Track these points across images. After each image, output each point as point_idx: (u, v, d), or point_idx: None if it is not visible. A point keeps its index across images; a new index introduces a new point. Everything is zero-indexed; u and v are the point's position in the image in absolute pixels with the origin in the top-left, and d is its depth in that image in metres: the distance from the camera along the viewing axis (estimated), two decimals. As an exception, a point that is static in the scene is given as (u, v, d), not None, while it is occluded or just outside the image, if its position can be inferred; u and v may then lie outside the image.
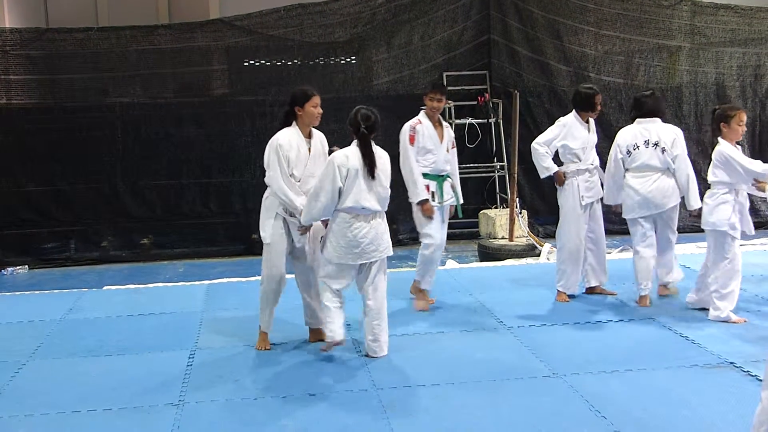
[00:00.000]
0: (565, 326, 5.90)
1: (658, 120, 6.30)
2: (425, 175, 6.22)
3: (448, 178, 6.38)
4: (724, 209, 5.69)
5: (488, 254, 8.75)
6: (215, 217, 9.52)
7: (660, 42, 10.04)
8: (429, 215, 6.21)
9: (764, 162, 5.71)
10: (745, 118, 5.78)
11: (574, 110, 6.45)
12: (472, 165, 9.68)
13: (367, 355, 5.30)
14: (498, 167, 9.96)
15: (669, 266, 6.53)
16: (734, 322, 5.73)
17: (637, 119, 6.33)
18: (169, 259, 9.32)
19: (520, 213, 9.35)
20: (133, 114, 9.37)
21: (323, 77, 9.58)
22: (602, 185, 6.55)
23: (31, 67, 9.23)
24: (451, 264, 8.34)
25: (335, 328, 5.15)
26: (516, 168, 9.15)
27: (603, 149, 8.17)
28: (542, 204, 9.81)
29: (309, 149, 5.31)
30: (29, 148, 9.14)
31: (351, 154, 5.04)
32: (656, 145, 6.19)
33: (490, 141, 9.99)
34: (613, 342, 5.52)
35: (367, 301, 5.24)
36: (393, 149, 9.22)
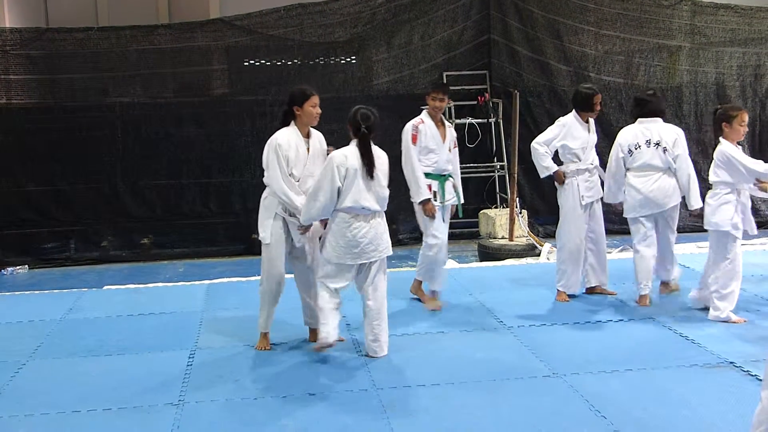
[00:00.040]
0: (565, 326, 5.90)
1: (659, 120, 6.31)
2: (427, 175, 6.22)
3: (450, 178, 6.37)
4: (726, 209, 5.69)
5: (488, 254, 8.75)
6: (215, 217, 9.52)
7: (660, 42, 10.04)
8: (431, 215, 6.20)
9: (765, 162, 5.71)
10: (747, 118, 5.78)
11: (573, 110, 6.45)
12: (472, 165, 9.68)
13: (367, 355, 5.30)
14: (498, 167, 9.96)
15: (669, 265, 6.56)
16: (734, 322, 5.74)
17: (639, 119, 6.34)
18: (169, 259, 9.32)
19: (520, 213, 9.35)
20: (133, 114, 9.37)
21: (323, 77, 9.57)
22: (602, 185, 6.55)
23: (31, 67, 9.23)
24: (451, 264, 8.32)
25: (329, 330, 5.12)
26: (516, 168, 9.15)
27: (603, 149, 8.18)
28: (542, 204, 9.81)
29: (308, 149, 5.31)
30: (29, 147, 9.14)
31: (350, 153, 5.04)
32: (658, 144, 6.20)
33: (490, 141, 9.99)
34: (613, 342, 5.52)
35: (366, 301, 5.24)
36: (393, 149, 9.22)
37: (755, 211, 6.03)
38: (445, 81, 9.50)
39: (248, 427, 4.28)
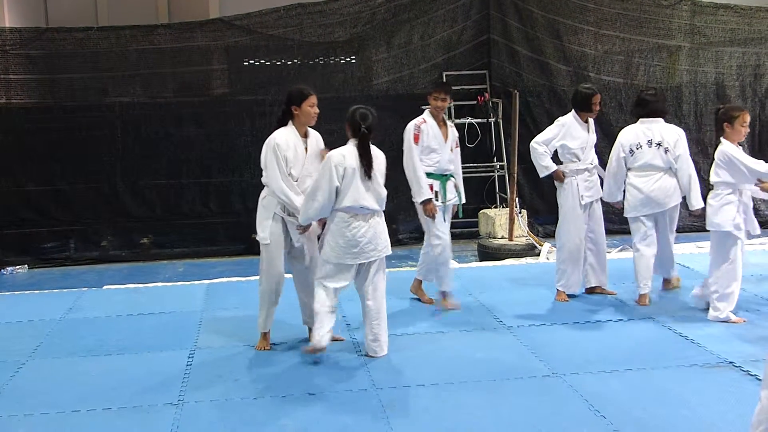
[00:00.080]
0: (564, 326, 5.90)
1: (661, 120, 6.32)
2: (429, 175, 6.21)
3: (452, 178, 6.37)
4: (728, 210, 5.69)
5: (488, 254, 8.74)
6: (215, 217, 9.52)
7: (660, 42, 10.04)
8: (431, 215, 6.21)
9: (766, 162, 5.71)
10: (748, 119, 5.77)
11: (573, 110, 6.45)
12: (471, 165, 9.67)
13: (366, 355, 5.30)
14: (498, 167, 9.96)
15: (669, 263, 6.59)
16: (734, 323, 5.74)
17: (640, 119, 6.34)
18: (169, 259, 9.31)
19: (520, 213, 9.35)
20: (132, 114, 9.37)
21: (323, 77, 9.58)
22: (601, 184, 6.55)
23: (30, 67, 9.23)
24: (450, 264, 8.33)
25: (322, 334, 5.10)
26: (516, 168, 9.15)
27: (602, 149, 8.19)
28: (542, 203, 9.81)
29: (306, 148, 5.31)
30: (29, 147, 9.14)
31: (347, 153, 5.03)
32: (659, 145, 6.21)
33: (489, 141, 9.99)
34: (612, 342, 5.52)
35: (366, 301, 5.23)
36: (393, 148, 9.24)
37: (755, 211, 6.02)
38: (444, 81, 9.50)
39: (248, 427, 4.28)
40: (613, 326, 5.86)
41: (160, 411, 4.50)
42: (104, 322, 6.41)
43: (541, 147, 6.43)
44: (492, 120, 9.91)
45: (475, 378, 4.86)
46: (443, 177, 6.29)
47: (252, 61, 9.57)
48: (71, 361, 5.44)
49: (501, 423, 4.22)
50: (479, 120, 9.83)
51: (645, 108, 6.34)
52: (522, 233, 9.18)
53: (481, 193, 9.93)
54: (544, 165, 6.44)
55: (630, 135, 6.33)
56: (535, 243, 8.90)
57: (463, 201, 6.57)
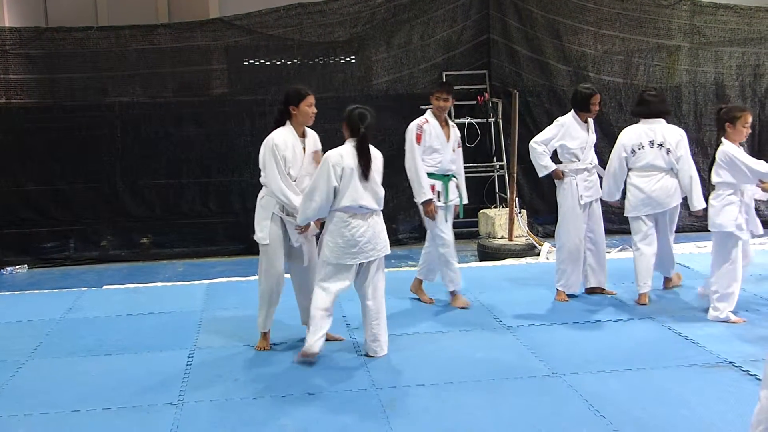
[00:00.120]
0: (564, 326, 5.90)
1: (662, 120, 6.32)
2: (431, 175, 6.20)
3: (454, 178, 6.37)
4: (730, 210, 5.69)
5: (487, 254, 8.75)
6: (215, 217, 9.52)
7: (659, 41, 10.04)
8: (431, 216, 6.21)
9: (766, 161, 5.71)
10: (750, 119, 5.76)
11: (572, 110, 6.45)
12: (471, 165, 9.66)
13: (366, 355, 5.30)
14: (497, 167, 9.96)
15: (669, 262, 6.62)
16: (733, 323, 5.74)
17: (642, 119, 6.34)
18: (169, 259, 9.32)
19: (520, 212, 9.36)
20: (132, 113, 9.37)
21: (323, 77, 9.58)
22: (601, 183, 6.55)
23: (30, 67, 9.23)
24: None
25: (315, 339, 5.08)
26: (515, 167, 9.15)
27: (602, 148, 8.19)
28: (541, 203, 9.82)
29: (303, 148, 5.31)
30: (28, 147, 9.14)
31: (345, 153, 5.02)
32: (661, 145, 6.22)
33: (489, 140, 9.99)
34: (612, 341, 5.53)
35: (366, 301, 5.23)
36: (393, 148, 9.29)
37: (756, 211, 6.02)
38: (444, 81, 9.50)
39: (247, 427, 4.28)
40: (613, 326, 5.87)
41: (160, 411, 4.50)
42: (104, 322, 6.41)
43: (540, 147, 6.43)
44: (492, 120, 9.91)
45: (474, 378, 4.86)
46: (445, 177, 6.29)
47: (252, 61, 9.57)
48: (71, 361, 5.44)
49: (501, 423, 4.22)
50: (479, 120, 9.83)
51: (646, 108, 6.34)
52: (522, 233, 9.18)
53: (480, 193, 9.93)
54: (543, 165, 6.44)
55: (632, 135, 6.34)
56: (534, 243, 8.90)
57: (466, 201, 6.56)
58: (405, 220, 9.74)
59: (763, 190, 5.65)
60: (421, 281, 6.66)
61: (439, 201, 6.23)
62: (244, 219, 9.22)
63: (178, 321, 6.33)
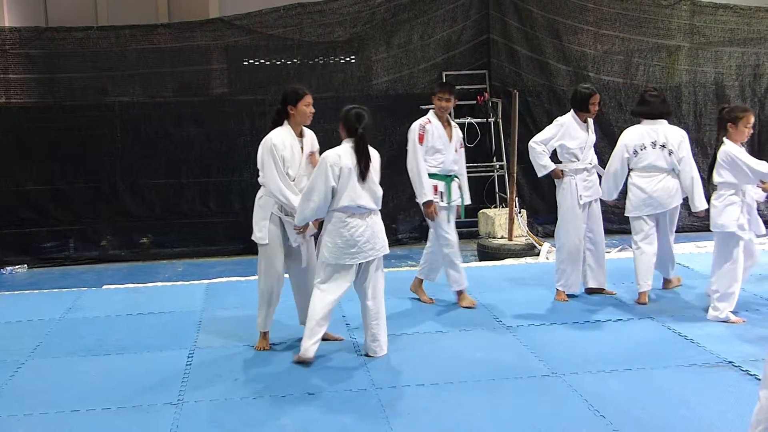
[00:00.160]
0: (564, 326, 5.90)
1: (664, 121, 6.33)
2: (434, 176, 6.19)
3: (456, 179, 6.36)
4: (732, 211, 5.69)
5: (487, 254, 8.75)
6: (214, 217, 9.52)
7: (659, 41, 10.04)
8: (431, 217, 6.21)
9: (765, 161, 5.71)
10: (753, 120, 5.75)
11: (572, 110, 6.45)
12: (471, 164, 9.63)
13: (366, 355, 5.30)
14: (497, 167, 9.96)
15: (670, 263, 6.63)
16: (733, 323, 5.74)
17: (644, 120, 6.34)
18: (169, 259, 9.31)
19: (520, 212, 9.36)
20: (132, 113, 9.37)
21: (322, 76, 9.58)
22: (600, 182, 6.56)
23: (30, 66, 9.23)
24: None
25: (310, 345, 5.08)
26: (515, 167, 9.15)
27: (602, 148, 8.19)
28: (541, 203, 9.82)
29: (301, 148, 5.31)
30: (28, 147, 9.13)
31: (343, 153, 5.01)
32: (663, 146, 6.22)
33: (489, 140, 9.98)
34: (612, 341, 5.53)
35: (365, 301, 5.22)
36: (393, 148, 9.31)
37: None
38: (444, 81, 9.50)
39: (247, 427, 4.28)
40: (613, 326, 5.87)
41: (160, 411, 4.50)
42: (104, 321, 6.41)
43: (539, 146, 6.43)
44: (491, 120, 9.91)
45: (474, 378, 4.86)
46: (448, 178, 6.28)
47: (252, 61, 9.57)
48: (70, 361, 5.44)
49: (500, 423, 4.22)
50: (479, 120, 9.82)
51: (648, 108, 6.34)
52: (521, 233, 9.18)
53: (480, 193, 9.93)
54: (543, 164, 6.44)
55: (634, 136, 6.34)
56: (534, 243, 8.90)
57: (468, 202, 6.55)
58: (405, 220, 9.74)
59: (764, 190, 5.65)
60: (421, 281, 6.66)
61: (442, 201, 6.23)
62: (243, 219, 9.20)
63: (177, 321, 6.33)
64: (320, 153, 5.23)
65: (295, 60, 9.58)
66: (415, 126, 6.23)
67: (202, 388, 4.82)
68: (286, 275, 5.48)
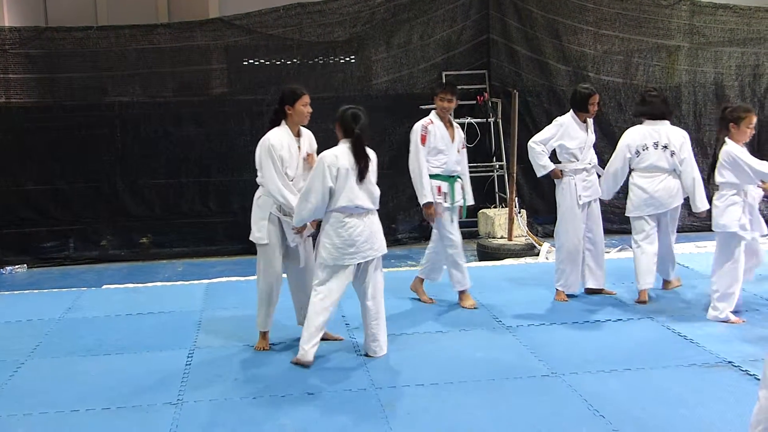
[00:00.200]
0: (563, 326, 5.90)
1: (666, 122, 6.33)
2: (437, 176, 6.19)
3: (459, 179, 6.36)
4: (733, 211, 5.69)
5: (487, 254, 8.75)
6: (214, 216, 9.52)
7: (659, 42, 10.04)
8: (430, 218, 6.21)
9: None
10: (755, 120, 5.74)
11: (571, 110, 6.45)
12: (471, 164, 9.57)
13: (365, 355, 5.30)
14: (497, 167, 9.96)
15: (670, 264, 6.63)
16: (733, 323, 5.74)
17: (647, 120, 6.34)
18: (168, 258, 9.32)
19: (519, 212, 9.36)
20: (132, 113, 9.37)
21: (322, 76, 9.58)
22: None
23: (30, 66, 9.23)
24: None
25: (310, 348, 5.07)
26: (515, 167, 9.15)
27: (602, 148, 8.19)
28: (541, 203, 9.82)
29: (299, 147, 5.31)
30: (28, 147, 9.14)
31: (340, 153, 5.00)
32: (665, 147, 6.23)
33: (489, 140, 9.99)
34: (611, 341, 5.53)
35: (365, 301, 5.22)
36: (393, 148, 9.31)
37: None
38: (444, 81, 9.50)
39: (247, 427, 4.28)
40: (613, 326, 5.87)
41: (160, 410, 4.50)
42: (103, 321, 6.41)
43: (538, 146, 6.43)
44: (491, 120, 9.91)
45: (474, 378, 4.86)
46: (451, 178, 6.27)
47: (251, 61, 9.58)
48: (70, 361, 5.44)
49: (500, 423, 4.22)
50: (478, 120, 9.82)
51: (650, 108, 6.34)
52: (521, 233, 9.18)
53: (480, 193, 9.94)
54: (542, 164, 6.45)
55: (636, 136, 6.34)
56: (534, 243, 8.90)
57: (471, 203, 6.55)
58: (405, 220, 9.74)
59: (765, 190, 5.65)
60: (422, 280, 6.65)
61: (445, 202, 6.22)
62: (243, 219, 9.15)
63: (177, 321, 6.33)
64: (319, 152, 5.23)
65: (295, 60, 9.59)
66: (418, 127, 6.22)
67: (201, 388, 4.82)
68: (284, 275, 5.47)
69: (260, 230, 5.31)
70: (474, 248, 9.09)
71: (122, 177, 9.33)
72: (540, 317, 6.11)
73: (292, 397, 4.63)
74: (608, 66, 10.02)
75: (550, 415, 4.29)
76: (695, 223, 9.14)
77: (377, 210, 5.21)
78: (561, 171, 6.42)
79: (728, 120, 5.72)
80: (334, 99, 8.80)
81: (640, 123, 6.44)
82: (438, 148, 6.19)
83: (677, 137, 6.27)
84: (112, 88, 9.33)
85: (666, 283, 6.71)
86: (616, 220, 9.19)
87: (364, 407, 4.47)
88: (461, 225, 9.10)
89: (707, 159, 8.97)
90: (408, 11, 9.75)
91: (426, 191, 6.12)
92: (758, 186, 5.68)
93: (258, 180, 5.31)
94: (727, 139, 5.71)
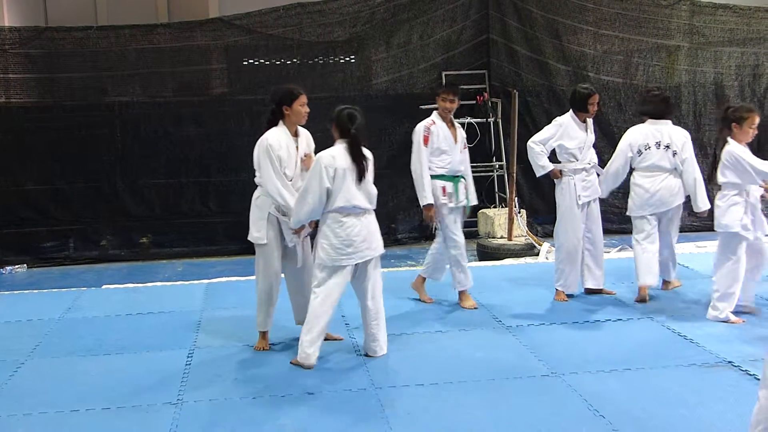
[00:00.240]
0: (563, 326, 5.90)
1: (669, 121, 6.34)
2: (441, 177, 6.19)
3: (462, 179, 6.35)
4: (735, 211, 5.69)
5: (487, 254, 8.75)
6: (214, 216, 9.53)
7: (659, 41, 10.05)
8: (429, 220, 6.20)
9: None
10: (758, 120, 5.72)
11: (571, 110, 6.45)
12: (470, 164, 9.63)
13: (365, 355, 5.30)
14: (497, 167, 9.96)
15: (671, 264, 6.63)
16: (733, 323, 5.74)
17: (649, 120, 6.35)
18: (168, 258, 9.32)
19: (519, 212, 9.36)
20: (132, 113, 9.37)
21: (322, 76, 9.58)
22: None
23: (30, 66, 9.23)
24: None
25: (311, 352, 5.06)
26: (515, 167, 9.16)
27: (602, 148, 8.19)
28: (541, 203, 9.83)
29: (297, 147, 5.31)
30: (28, 147, 9.14)
31: (337, 154, 5.00)
32: (668, 147, 6.23)
33: (489, 140, 9.99)
34: (611, 341, 5.53)
35: (365, 301, 5.21)
36: (392, 148, 9.31)
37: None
38: (444, 81, 9.51)
39: (247, 427, 4.28)
40: (612, 326, 5.87)
41: (159, 410, 4.50)
42: (103, 321, 6.41)
43: (537, 146, 6.43)
44: (491, 120, 9.91)
45: (474, 378, 4.86)
46: (455, 178, 6.27)
47: (251, 61, 9.58)
48: (70, 361, 5.44)
49: (500, 423, 4.22)
50: (478, 120, 9.82)
51: (653, 108, 6.34)
52: (521, 233, 9.18)
53: (480, 193, 9.92)
54: (541, 164, 6.45)
55: (639, 135, 6.34)
56: (534, 243, 8.90)
57: (475, 202, 6.54)
58: (405, 220, 9.74)
59: (766, 190, 5.64)
60: (424, 279, 6.64)
61: (450, 202, 6.22)
62: (243, 219, 9.11)
63: (177, 321, 6.32)
64: (318, 152, 5.23)
65: (295, 60, 9.59)
66: (420, 128, 6.21)
67: (201, 387, 4.82)
68: (282, 275, 5.48)
69: (259, 230, 5.31)
70: (474, 248, 9.09)
71: (122, 177, 9.33)
72: (540, 317, 6.11)
73: (292, 397, 4.63)
74: (608, 66, 10.02)
75: (550, 415, 4.29)
76: (695, 223, 9.14)
77: (376, 210, 5.20)
78: (560, 171, 6.42)
79: (731, 120, 5.71)
80: (333, 99, 8.79)
81: (642, 122, 6.44)
82: (441, 149, 6.18)
83: (679, 137, 6.28)
84: (112, 88, 9.33)
85: (666, 284, 6.71)
86: (615, 220, 9.20)
87: (363, 407, 4.47)
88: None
89: (707, 159, 8.98)
90: (408, 11, 9.75)
91: (427, 193, 6.11)
92: (760, 186, 5.67)
93: (256, 180, 5.31)
94: (729, 139, 5.71)
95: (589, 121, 6.49)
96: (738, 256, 5.74)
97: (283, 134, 5.26)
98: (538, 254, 8.64)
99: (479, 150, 9.90)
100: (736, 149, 5.64)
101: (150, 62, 9.33)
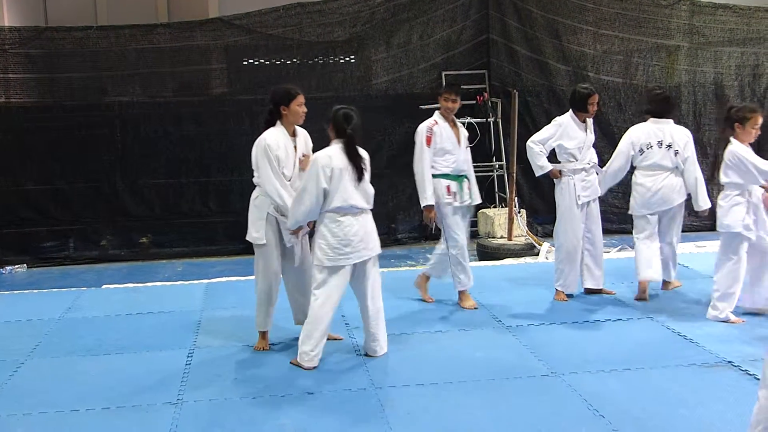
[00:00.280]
0: (563, 325, 5.90)
1: (671, 120, 6.34)
2: (446, 176, 6.18)
3: (466, 179, 6.35)
4: (737, 211, 5.69)
5: (487, 253, 8.75)
6: (214, 216, 9.53)
7: (659, 41, 10.05)
8: (429, 221, 6.20)
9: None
10: (761, 121, 5.70)
11: (570, 110, 6.45)
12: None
13: (365, 355, 5.30)
14: (497, 167, 9.97)
15: (672, 264, 6.63)
16: (733, 323, 5.74)
17: (651, 119, 6.35)
18: (168, 258, 9.32)
19: (519, 212, 9.36)
20: (132, 113, 9.38)
21: (322, 76, 9.58)
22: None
23: (30, 66, 9.23)
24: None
25: (314, 355, 5.06)
26: (515, 167, 9.16)
27: (602, 148, 8.19)
28: (541, 203, 9.83)
29: (295, 147, 5.31)
30: (28, 146, 9.15)
31: (334, 154, 4.99)
32: (669, 146, 6.24)
33: (488, 140, 9.99)
34: (611, 341, 5.53)
35: (365, 301, 5.21)
36: (393, 147, 9.31)
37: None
38: (444, 81, 9.51)
39: (246, 427, 4.28)
40: (612, 326, 5.87)
41: (159, 410, 4.50)
42: (103, 321, 6.41)
43: (537, 146, 6.43)
44: (491, 120, 9.91)
45: (474, 377, 4.86)
46: (459, 178, 6.27)
47: (251, 61, 9.58)
48: (70, 361, 5.44)
49: (500, 422, 4.22)
50: (478, 120, 9.82)
51: (657, 107, 6.34)
52: (521, 233, 9.18)
53: (480, 193, 9.92)
54: (540, 164, 6.45)
55: (641, 134, 6.34)
56: (534, 242, 8.90)
57: (479, 201, 6.54)
58: (405, 220, 9.73)
59: (767, 190, 5.64)
60: (427, 278, 6.63)
61: (456, 202, 6.22)
62: (243, 218, 9.12)
63: (177, 320, 6.32)
64: (315, 152, 5.23)
65: (295, 60, 9.59)
66: (422, 128, 6.20)
67: (201, 387, 4.82)
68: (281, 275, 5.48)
69: (258, 230, 5.31)
70: (474, 248, 9.09)
71: (122, 177, 9.33)
72: (540, 317, 6.11)
73: (292, 397, 4.63)
74: (608, 66, 10.03)
75: (550, 415, 4.29)
76: (695, 223, 9.14)
77: (376, 210, 5.20)
78: (560, 171, 6.42)
79: (733, 120, 5.71)
80: (333, 99, 8.79)
81: (643, 121, 6.44)
82: (445, 149, 6.17)
83: (681, 136, 6.28)
84: (112, 88, 9.33)
85: (666, 284, 6.70)
86: (615, 220, 9.20)
87: (363, 407, 4.47)
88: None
89: (707, 158, 8.98)
90: (408, 11, 9.76)
91: (428, 194, 6.10)
92: (761, 186, 5.67)
93: (255, 180, 5.31)
94: (732, 138, 5.70)
95: (589, 121, 6.49)
96: (739, 256, 5.73)
97: (281, 134, 5.26)
98: (538, 254, 8.64)
99: (479, 150, 9.88)
100: (738, 149, 5.64)
101: (150, 62, 9.34)
